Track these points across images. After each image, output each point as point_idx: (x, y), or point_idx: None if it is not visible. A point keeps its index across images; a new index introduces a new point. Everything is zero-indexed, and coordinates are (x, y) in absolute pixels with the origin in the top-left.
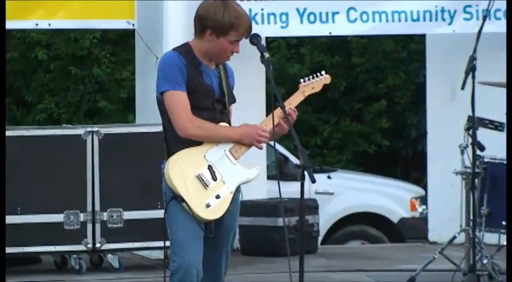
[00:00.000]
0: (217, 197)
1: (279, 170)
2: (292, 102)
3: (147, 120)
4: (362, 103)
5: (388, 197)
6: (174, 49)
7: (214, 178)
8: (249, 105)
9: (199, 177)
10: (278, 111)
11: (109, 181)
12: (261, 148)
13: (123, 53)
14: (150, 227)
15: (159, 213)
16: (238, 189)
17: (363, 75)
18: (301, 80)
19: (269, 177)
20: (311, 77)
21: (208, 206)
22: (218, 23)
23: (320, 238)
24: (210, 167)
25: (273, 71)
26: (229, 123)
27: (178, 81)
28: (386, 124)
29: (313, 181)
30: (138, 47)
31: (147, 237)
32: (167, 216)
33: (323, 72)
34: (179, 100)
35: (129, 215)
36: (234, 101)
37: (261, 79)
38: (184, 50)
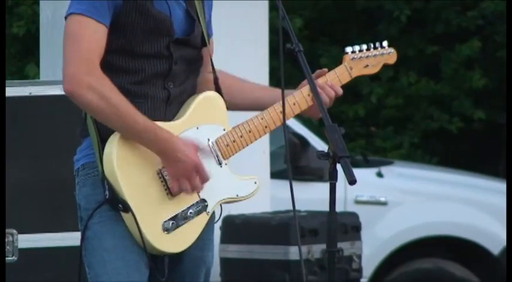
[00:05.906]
0: (185, 216)
1: (291, 163)
2: (330, 80)
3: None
4: (438, 45)
5: (484, 209)
6: None
7: None
8: (238, 50)
9: (161, 176)
10: (305, 91)
11: None
12: (191, 192)
13: None
14: (67, 261)
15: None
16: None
17: None
18: (348, 50)
19: (274, 175)
20: (364, 47)
21: (167, 228)
22: None
23: (364, 281)
24: None
25: None
26: (216, 83)
27: (97, 6)
28: (481, 81)
29: (352, 181)
30: None
31: (59, 278)
32: (86, 244)
33: (385, 44)
34: (87, 34)
35: (27, 240)
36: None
37: (261, 5)
38: None
